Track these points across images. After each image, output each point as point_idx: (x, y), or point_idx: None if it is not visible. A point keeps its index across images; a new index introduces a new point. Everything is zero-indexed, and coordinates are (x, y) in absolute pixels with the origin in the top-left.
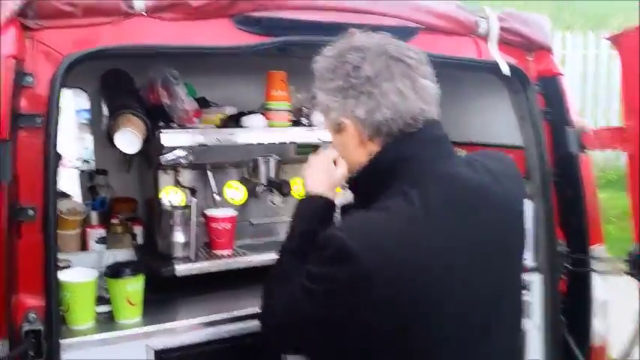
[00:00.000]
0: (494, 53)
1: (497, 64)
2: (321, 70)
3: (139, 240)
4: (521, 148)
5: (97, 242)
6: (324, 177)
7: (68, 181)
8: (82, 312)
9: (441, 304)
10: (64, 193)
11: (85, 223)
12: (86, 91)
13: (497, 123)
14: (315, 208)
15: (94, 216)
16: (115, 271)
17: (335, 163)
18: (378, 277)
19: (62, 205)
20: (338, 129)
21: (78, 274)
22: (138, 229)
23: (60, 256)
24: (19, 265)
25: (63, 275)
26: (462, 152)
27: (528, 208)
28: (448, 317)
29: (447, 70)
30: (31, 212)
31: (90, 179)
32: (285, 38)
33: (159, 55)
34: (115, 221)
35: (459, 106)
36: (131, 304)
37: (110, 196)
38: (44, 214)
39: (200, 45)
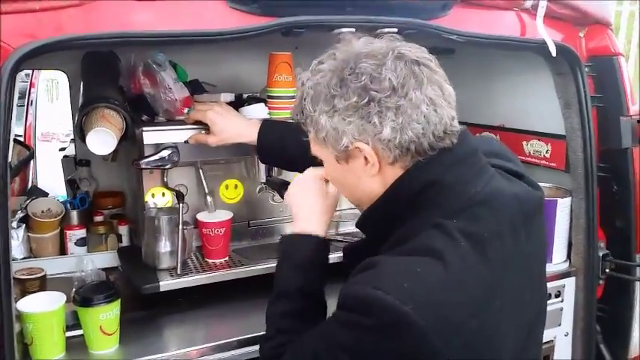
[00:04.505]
0: (542, 31)
1: (544, 42)
2: (319, 88)
3: (125, 241)
4: (562, 138)
5: (76, 245)
6: (316, 204)
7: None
8: (48, 344)
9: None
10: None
11: (64, 222)
12: (67, 74)
13: (534, 107)
14: (310, 256)
15: (74, 215)
16: (84, 299)
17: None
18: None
19: (37, 206)
20: (346, 157)
21: (41, 302)
22: (123, 229)
23: (34, 262)
24: None
25: (23, 304)
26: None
27: (563, 203)
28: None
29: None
30: None
31: (70, 171)
32: (288, 19)
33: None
34: (97, 219)
35: (488, 84)
36: (105, 333)
37: (93, 190)
38: None
39: (178, 31)
